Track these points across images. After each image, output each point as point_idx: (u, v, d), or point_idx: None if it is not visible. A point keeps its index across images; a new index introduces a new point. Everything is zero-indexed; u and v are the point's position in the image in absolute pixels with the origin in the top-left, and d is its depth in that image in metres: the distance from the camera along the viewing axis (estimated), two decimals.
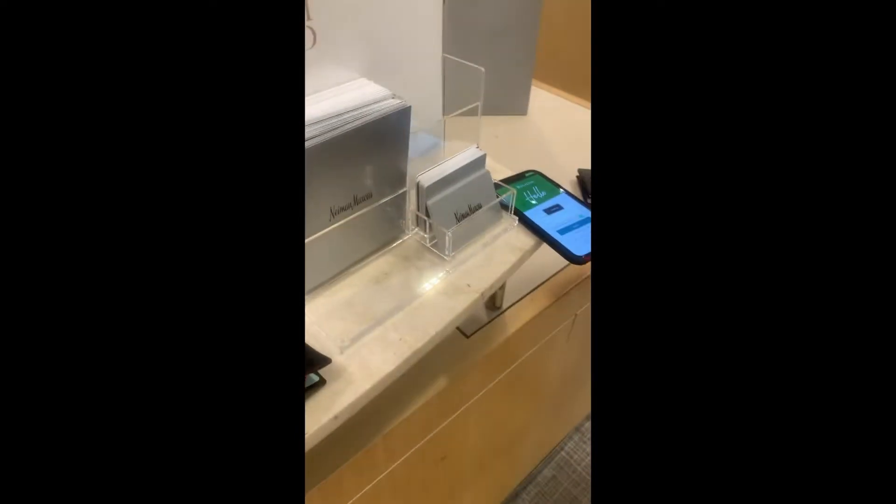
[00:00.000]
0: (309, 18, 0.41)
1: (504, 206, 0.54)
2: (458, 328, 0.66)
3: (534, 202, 0.56)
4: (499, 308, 0.68)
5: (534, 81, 1.04)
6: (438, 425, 0.66)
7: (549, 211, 0.55)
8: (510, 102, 1.03)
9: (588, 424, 1.37)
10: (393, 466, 0.62)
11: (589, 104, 1.12)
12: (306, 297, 0.46)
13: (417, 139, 0.53)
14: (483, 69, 0.48)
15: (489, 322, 0.67)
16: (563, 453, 1.32)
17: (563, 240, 0.51)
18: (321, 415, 0.38)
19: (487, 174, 0.53)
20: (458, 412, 0.68)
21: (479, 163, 0.51)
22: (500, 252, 0.52)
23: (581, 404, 1.24)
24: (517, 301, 0.70)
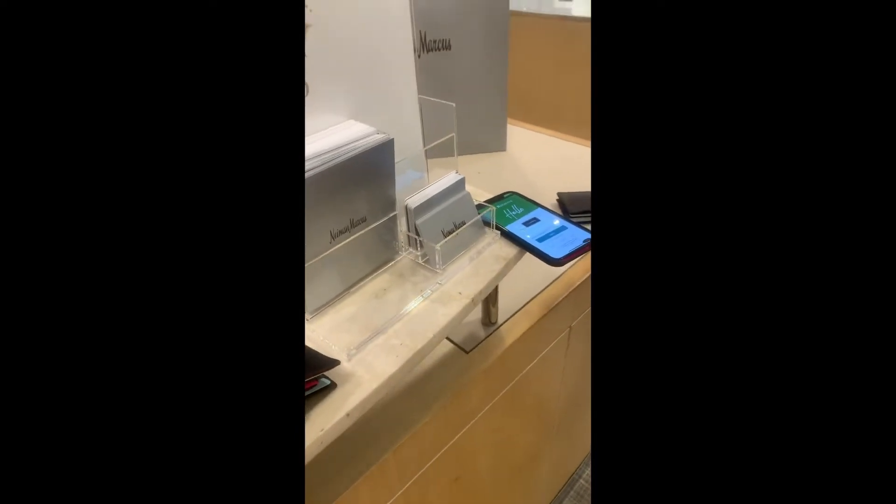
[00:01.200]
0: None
1: (486, 223, 0.60)
2: (457, 345, 0.70)
3: (513, 218, 0.62)
4: (494, 324, 0.72)
5: (509, 120, 1.13)
6: (448, 442, 0.68)
7: (527, 223, 0.61)
8: (489, 140, 1.12)
9: None
10: (407, 486, 0.64)
11: (563, 136, 1.21)
12: (314, 316, 0.51)
13: (403, 175, 0.60)
14: (454, 104, 0.56)
15: (486, 338, 0.71)
16: (581, 481, 1.31)
17: (542, 246, 0.57)
18: (334, 413, 0.42)
19: (468, 195, 0.59)
20: (466, 429, 0.70)
21: (459, 185, 0.58)
22: (486, 262, 0.57)
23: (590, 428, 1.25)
24: (511, 316, 0.74)
